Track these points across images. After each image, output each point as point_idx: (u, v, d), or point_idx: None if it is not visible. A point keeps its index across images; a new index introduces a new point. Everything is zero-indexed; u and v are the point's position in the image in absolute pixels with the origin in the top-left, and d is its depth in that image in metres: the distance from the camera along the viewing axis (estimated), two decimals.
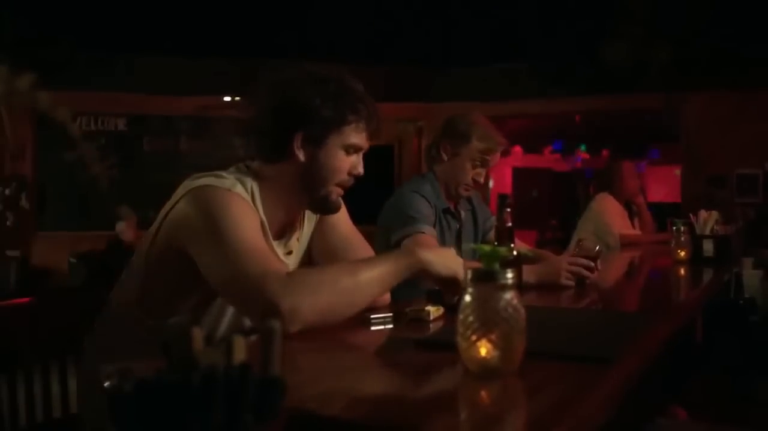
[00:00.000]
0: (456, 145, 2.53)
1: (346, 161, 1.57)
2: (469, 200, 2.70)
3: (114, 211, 6.15)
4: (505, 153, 11.84)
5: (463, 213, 2.66)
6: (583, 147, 12.23)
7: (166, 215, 1.48)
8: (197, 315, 1.52)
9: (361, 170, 1.61)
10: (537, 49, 6.66)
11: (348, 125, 1.54)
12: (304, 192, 1.58)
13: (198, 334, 0.71)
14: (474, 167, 2.52)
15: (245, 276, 1.33)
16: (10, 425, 1.59)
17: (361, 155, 1.61)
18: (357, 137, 1.57)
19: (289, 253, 1.63)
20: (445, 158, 2.54)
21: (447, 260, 1.53)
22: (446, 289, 1.54)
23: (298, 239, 1.67)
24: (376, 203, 2.58)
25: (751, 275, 2.91)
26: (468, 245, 2.54)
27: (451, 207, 2.59)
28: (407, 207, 2.41)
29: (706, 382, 2.53)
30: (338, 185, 1.59)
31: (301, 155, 1.53)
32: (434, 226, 2.45)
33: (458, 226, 2.61)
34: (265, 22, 6.24)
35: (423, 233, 2.34)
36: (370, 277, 1.43)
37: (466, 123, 2.54)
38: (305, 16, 6.17)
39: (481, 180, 2.55)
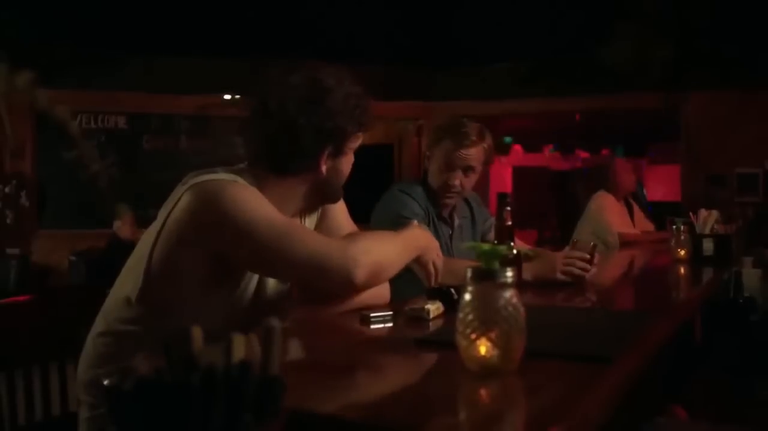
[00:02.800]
0: (431, 148, 2.48)
1: (352, 159, 1.64)
2: (468, 204, 2.66)
3: (114, 209, 6.14)
4: (505, 151, 11.83)
5: (457, 220, 2.59)
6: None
7: (168, 214, 1.48)
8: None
9: (352, 159, 1.68)
10: (537, 48, 6.66)
11: (360, 132, 1.60)
12: (317, 195, 1.63)
13: (198, 333, 0.71)
14: (447, 169, 2.40)
15: (320, 253, 1.44)
16: (10, 423, 1.59)
17: None
18: (361, 137, 1.63)
19: None
20: (426, 164, 2.50)
21: (432, 249, 1.71)
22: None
23: None
24: (375, 201, 2.57)
25: (750, 275, 2.91)
26: (467, 244, 2.53)
27: (444, 213, 2.54)
28: (398, 207, 2.38)
29: (706, 381, 2.53)
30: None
31: (324, 169, 1.57)
32: (429, 225, 2.40)
33: (450, 232, 2.57)
34: (265, 21, 6.24)
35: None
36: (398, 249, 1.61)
37: (442, 125, 2.48)
38: (305, 14, 6.17)
39: (456, 182, 2.41)
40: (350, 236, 1.61)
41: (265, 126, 1.54)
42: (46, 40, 6.00)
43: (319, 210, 1.74)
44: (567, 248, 2.23)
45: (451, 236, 2.55)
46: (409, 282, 1.78)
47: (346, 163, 1.62)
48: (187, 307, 1.50)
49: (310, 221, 1.72)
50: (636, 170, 4.89)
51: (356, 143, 1.62)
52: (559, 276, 2.09)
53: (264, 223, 1.43)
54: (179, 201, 1.46)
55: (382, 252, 1.54)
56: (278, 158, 1.55)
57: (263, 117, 1.54)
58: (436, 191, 2.48)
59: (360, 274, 1.45)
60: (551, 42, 6.45)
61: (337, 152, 1.58)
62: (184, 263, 1.45)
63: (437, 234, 2.48)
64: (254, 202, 1.46)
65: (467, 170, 2.42)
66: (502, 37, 6.48)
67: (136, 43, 6.41)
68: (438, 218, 2.51)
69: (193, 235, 1.44)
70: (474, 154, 2.41)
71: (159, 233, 1.49)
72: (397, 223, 2.27)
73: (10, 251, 6.54)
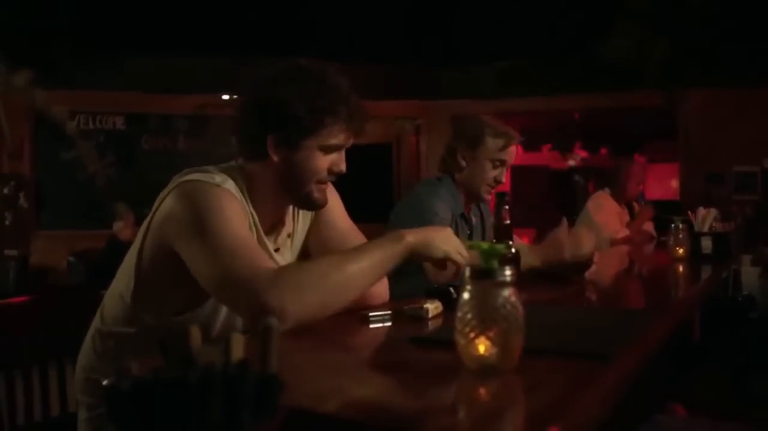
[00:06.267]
0: (472, 148, 2.50)
1: (325, 161, 1.53)
2: (477, 206, 2.71)
3: (112, 210, 6.13)
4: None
5: (474, 219, 2.66)
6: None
7: (156, 211, 1.48)
8: (193, 314, 1.51)
9: (343, 167, 1.56)
10: (536, 46, 6.66)
11: (324, 128, 1.48)
12: (285, 191, 1.56)
13: (195, 332, 0.71)
14: (494, 167, 2.50)
15: (232, 274, 1.33)
16: (9, 423, 1.59)
17: (342, 152, 1.57)
18: (335, 138, 1.51)
19: (277, 250, 1.62)
20: (464, 164, 2.52)
21: (436, 241, 1.52)
22: (440, 267, 1.56)
23: (289, 236, 1.66)
24: (374, 200, 2.59)
25: (749, 273, 2.91)
26: (466, 242, 2.55)
27: (465, 213, 2.59)
28: (426, 210, 2.38)
29: (705, 379, 2.53)
30: (318, 182, 1.55)
31: (275, 156, 1.50)
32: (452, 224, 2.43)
33: (469, 231, 2.62)
34: (265, 20, 6.24)
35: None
36: (360, 268, 1.42)
37: (477, 124, 2.52)
38: (305, 13, 6.17)
39: (503, 179, 2.53)
40: (286, 274, 1.38)
41: (234, 110, 1.54)
42: (44, 39, 5.99)
43: (312, 215, 1.71)
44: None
45: (470, 235, 2.59)
46: (407, 281, 1.78)
47: (309, 159, 1.50)
48: (177, 305, 1.50)
49: (303, 219, 1.71)
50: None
51: (324, 141, 1.50)
52: (569, 256, 2.10)
53: (221, 233, 1.36)
54: (165, 199, 1.46)
55: (322, 295, 1.36)
56: (236, 141, 1.55)
57: (235, 102, 1.56)
58: (471, 189, 2.54)
59: (282, 325, 1.25)
60: (550, 41, 6.46)
61: (287, 143, 1.48)
62: (169, 261, 1.44)
63: (460, 232, 2.50)
64: (225, 210, 1.40)
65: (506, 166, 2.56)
66: (502, 36, 6.48)
67: (134, 43, 6.40)
68: (461, 218, 2.56)
69: (171, 235, 1.43)
70: (515, 151, 2.57)
71: (146, 231, 1.49)
72: (424, 224, 2.30)
73: (8, 252, 6.54)
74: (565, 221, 2.24)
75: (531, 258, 2.05)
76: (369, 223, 2.49)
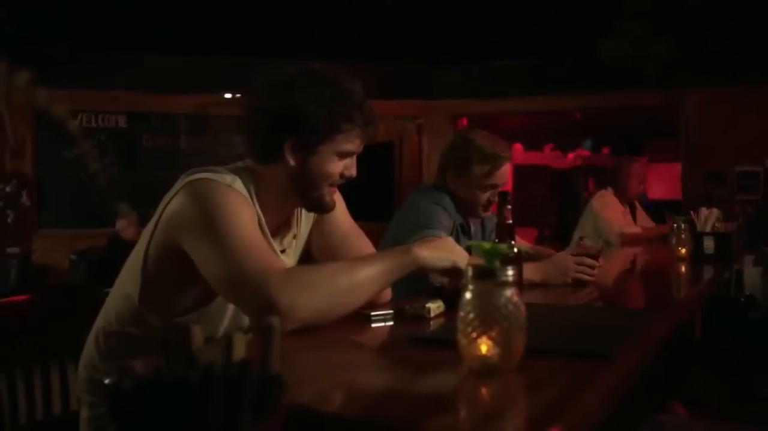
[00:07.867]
0: (460, 174, 2.48)
1: (339, 165, 1.55)
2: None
3: (114, 209, 6.14)
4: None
5: (473, 227, 2.65)
6: (588, 143, 12.11)
7: (163, 210, 1.48)
8: (199, 314, 1.51)
9: (353, 172, 1.58)
10: (536, 46, 6.65)
11: (341, 133, 1.51)
12: (297, 193, 1.57)
13: (197, 332, 0.71)
14: (484, 190, 2.46)
15: (243, 273, 1.33)
16: (11, 422, 1.60)
17: (354, 157, 1.58)
18: (351, 143, 1.54)
19: (283, 251, 1.62)
20: (453, 187, 2.51)
21: (443, 252, 1.54)
22: (450, 278, 1.56)
23: (294, 237, 1.67)
24: (376, 199, 2.59)
25: (751, 273, 2.91)
26: (467, 242, 2.54)
27: (465, 223, 2.58)
28: (426, 217, 2.37)
29: (706, 379, 2.53)
30: (329, 186, 1.57)
31: (291, 160, 1.51)
32: (451, 235, 2.42)
33: (468, 239, 2.61)
34: (266, 19, 6.23)
35: (439, 237, 2.31)
36: (367, 276, 1.44)
37: (465, 146, 2.48)
38: (305, 13, 6.16)
39: (495, 198, 2.47)
40: (295, 274, 1.42)
41: (245, 112, 1.54)
42: (45, 38, 6.00)
43: (314, 215, 1.71)
44: (574, 243, 2.24)
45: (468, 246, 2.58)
46: (409, 281, 1.77)
47: (324, 164, 1.52)
48: (183, 305, 1.50)
49: (306, 220, 1.71)
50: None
51: (340, 147, 1.52)
52: (569, 281, 2.09)
53: (232, 232, 1.37)
54: (173, 199, 1.46)
55: (329, 297, 1.37)
56: (248, 143, 1.54)
57: (246, 104, 1.55)
58: (466, 209, 2.52)
59: (289, 325, 1.29)
60: (550, 40, 6.45)
61: (304, 147, 1.50)
62: (177, 260, 1.44)
63: (460, 240, 2.49)
64: (235, 210, 1.41)
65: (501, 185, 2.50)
66: (502, 35, 6.47)
67: (135, 42, 6.41)
68: (461, 227, 2.54)
69: (180, 233, 1.43)
70: (507, 169, 2.50)
71: (153, 230, 1.49)
72: (423, 228, 2.28)
73: (10, 250, 6.55)
74: (575, 242, 2.23)
75: (532, 274, 2.05)
76: (371, 222, 2.50)
